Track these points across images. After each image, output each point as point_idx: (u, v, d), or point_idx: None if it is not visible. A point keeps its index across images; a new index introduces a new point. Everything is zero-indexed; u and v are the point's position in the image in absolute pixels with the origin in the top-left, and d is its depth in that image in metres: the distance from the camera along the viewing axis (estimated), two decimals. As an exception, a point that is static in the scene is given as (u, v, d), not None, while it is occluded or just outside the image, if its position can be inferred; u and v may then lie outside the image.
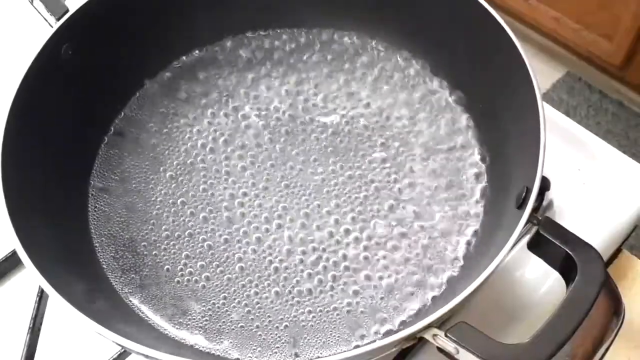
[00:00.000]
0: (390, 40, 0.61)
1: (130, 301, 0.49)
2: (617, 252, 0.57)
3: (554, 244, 0.40)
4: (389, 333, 0.47)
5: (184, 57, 0.61)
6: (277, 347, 0.47)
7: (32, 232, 0.43)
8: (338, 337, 0.47)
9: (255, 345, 0.47)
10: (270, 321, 0.48)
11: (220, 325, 0.48)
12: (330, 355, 0.46)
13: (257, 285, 0.49)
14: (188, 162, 0.56)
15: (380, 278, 0.50)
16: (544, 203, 0.55)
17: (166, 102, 0.59)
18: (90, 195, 0.54)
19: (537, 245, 0.42)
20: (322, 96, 0.59)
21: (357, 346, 0.47)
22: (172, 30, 0.59)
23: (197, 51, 0.61)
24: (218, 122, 0.58)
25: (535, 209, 0.41)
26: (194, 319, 0.48)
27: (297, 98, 0.59)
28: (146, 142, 0.57)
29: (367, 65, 0.60)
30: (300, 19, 0.62)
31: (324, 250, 0.51)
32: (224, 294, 0.49)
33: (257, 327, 0.48)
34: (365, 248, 0.51)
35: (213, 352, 0.47)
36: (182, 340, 0.47)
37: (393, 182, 0.54)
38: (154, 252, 0.51)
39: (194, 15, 0.60)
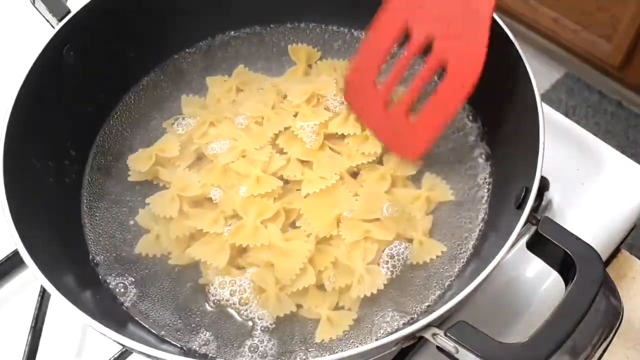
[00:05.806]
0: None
1: (131, 301, 0.49)
2: (616, 251, 0.57)
3: (553, 244, 0.40)
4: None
5: (179, 58, 0.62)
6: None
7: (34, 233, 0.43)
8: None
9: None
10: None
11: (219, 327, 0.48)
12: (330, 354, 0.46)
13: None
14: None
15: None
16: (543, 203, 0.55)
17: (159, 105, 0.59)
18: (87, 195, 0.54)
19: (536, 245, 0.42)
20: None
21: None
22: (171, 30, 0.60)
23: (190, 49, 0.62)
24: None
25: (534, 209, 0.42)
26: (193, 318, 0.48)
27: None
28: (140, 143, 0.57)
29: None
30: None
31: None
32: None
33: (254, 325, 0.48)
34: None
35: (212, 354, 0.47)
36: (182, 340, 0.47)
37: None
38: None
39: (193, 14, 0.60)
